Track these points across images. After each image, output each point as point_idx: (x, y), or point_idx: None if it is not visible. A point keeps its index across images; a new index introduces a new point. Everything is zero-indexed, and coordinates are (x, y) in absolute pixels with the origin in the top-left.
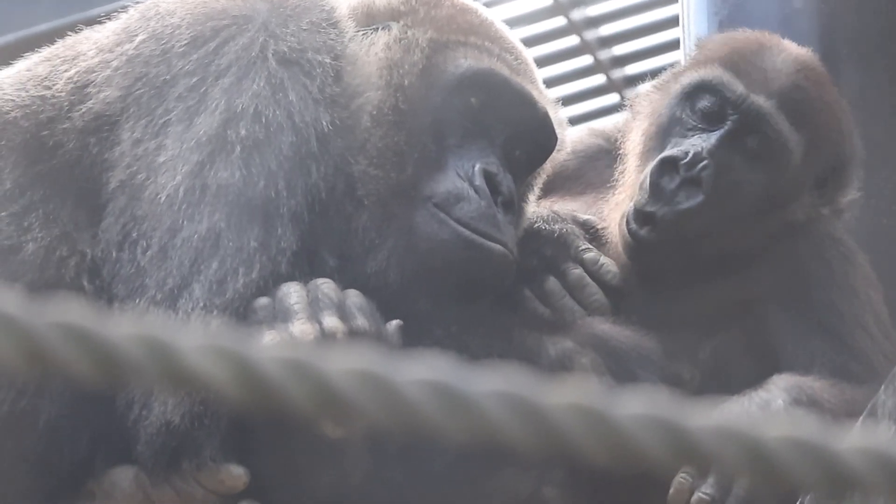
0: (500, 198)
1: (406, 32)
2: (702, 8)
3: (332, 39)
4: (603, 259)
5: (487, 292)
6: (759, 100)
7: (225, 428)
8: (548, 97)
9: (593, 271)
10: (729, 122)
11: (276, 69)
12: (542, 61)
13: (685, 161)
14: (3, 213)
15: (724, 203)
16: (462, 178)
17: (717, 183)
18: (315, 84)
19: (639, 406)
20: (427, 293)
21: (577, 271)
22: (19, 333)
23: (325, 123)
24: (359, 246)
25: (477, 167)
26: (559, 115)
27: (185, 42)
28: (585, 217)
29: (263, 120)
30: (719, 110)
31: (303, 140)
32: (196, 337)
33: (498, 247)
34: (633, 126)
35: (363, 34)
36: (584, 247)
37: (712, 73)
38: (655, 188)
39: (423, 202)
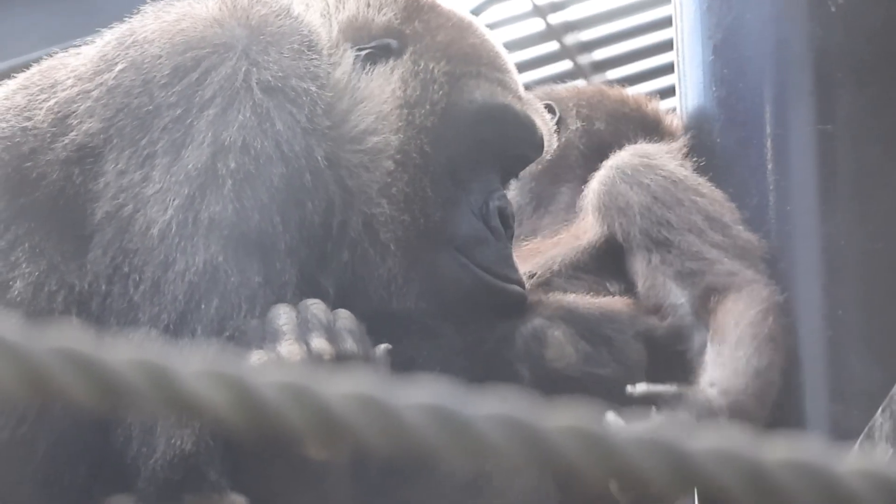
0: (509, 231)
1: (419, 64)
2: (696, 32)
3: (315, 65)
4: None
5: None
6: None
7: (224, 457)
8: (537, 107)
9: None
10: None
11: (262, 98)
12: (521, 66)
13: None
14: None
15: None
16: (477, 217)
17: None
18: (303, 112)
19: (638, 429)
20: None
21: None
22: (19, 359)
23: (317, 155)
24: (383, 290)
25: (491, 206)
26: (545, 122)
27: (167, 73)
28: None
29: (252, 152)
30: None
31: (293, 170)
32: (193, 362)
33: (516, 288)
34: None
35: (360, 59)
36: None
37: None
38: None
39: (445, 245)
